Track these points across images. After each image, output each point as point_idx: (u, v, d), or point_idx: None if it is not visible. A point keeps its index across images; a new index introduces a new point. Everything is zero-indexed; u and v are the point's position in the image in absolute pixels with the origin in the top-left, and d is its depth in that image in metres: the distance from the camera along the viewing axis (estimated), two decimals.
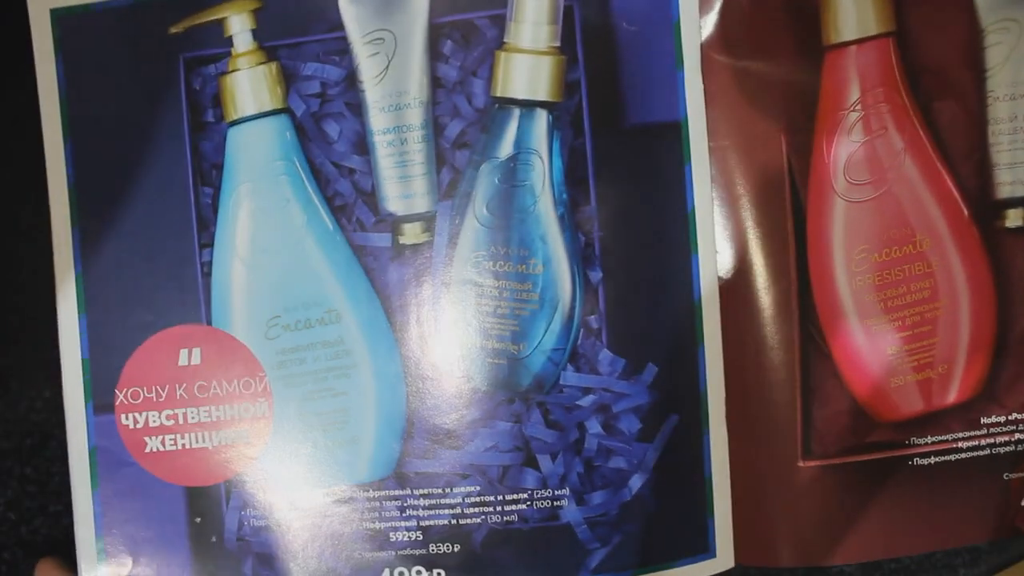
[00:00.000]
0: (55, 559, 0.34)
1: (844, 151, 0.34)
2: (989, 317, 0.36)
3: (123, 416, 0.33)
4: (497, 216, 0.33)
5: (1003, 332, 0.36)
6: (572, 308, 0.34)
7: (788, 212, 0.35)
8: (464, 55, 0.33)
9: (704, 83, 0.34)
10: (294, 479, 0.33)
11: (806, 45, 0.34)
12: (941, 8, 0.34)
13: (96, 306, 0.33)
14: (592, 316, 0.34)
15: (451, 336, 0.33)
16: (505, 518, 0.34)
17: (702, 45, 0.34)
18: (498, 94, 0.33)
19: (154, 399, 0.33)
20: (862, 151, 0.35)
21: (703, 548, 0.35)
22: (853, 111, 0.34)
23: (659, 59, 0.33)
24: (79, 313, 0.33)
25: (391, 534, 0.34)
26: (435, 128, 0.33)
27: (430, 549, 0.34)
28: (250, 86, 0.33)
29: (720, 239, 0.34)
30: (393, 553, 0.34)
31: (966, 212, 0.35)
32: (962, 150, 0.35)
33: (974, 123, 0.35)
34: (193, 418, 0.33)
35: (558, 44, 0.33)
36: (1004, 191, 0.36)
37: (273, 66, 0.33)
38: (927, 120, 0.35)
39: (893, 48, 0.34)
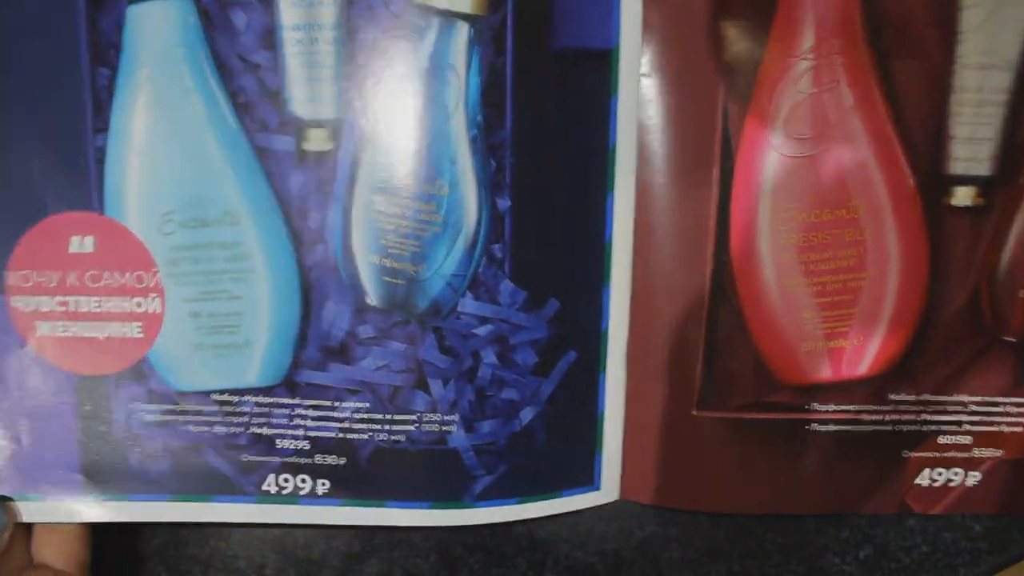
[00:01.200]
0: None
1: (788, 101, 0.32)
2: (917, 295, 0.34)
3: (13, 298, 0.33)
4: (405, 131, 0.31)
5: (930, 312, 0.34)
6: (476, 235, 0.32)
7: (716, 158, 0.32)
8: None
9: (643, 12, 0.31)
10: (183, 377, 0.33)
11: None
12: None
13: None
14: (496, 245, 0.32)
15: (349, 251, 0.32)
16: (392, 437, 0.34)
17: None
18: (418, 1, 0.30)
19: (45, 283, 0.32)
20: (808, 103, 0.32)
21: (588, 481, 0.35)
22: (804, 59, 0.31)
23: None
24: None
25: (278, 440, 0.34)
26: (348, 29, 0.31)
27: (316, 459, 0.34)
28: None
29: (644, 176, 0.33)
30: (279, 459, 0.34)
31: (911, 183, 0.33)
32: (918, 116, 0.32)
33: (936, 88, 0.32)
34: (84, 307, 0.33)
35: None
36: (957, 167, 0.33)
37: None
38: (884, 79, 0.32)
39: None
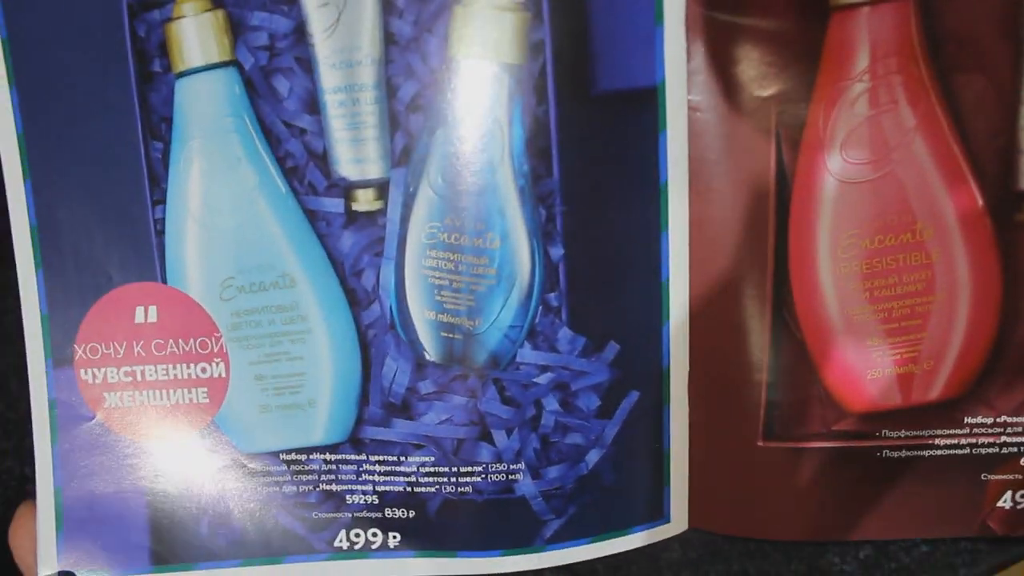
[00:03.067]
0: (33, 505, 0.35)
1: (844, 126, 0.31)
2: (990, 316, 0.33)
3: (82, 371, 0.33)
4: (452, 186, 0.31)
5: (1004, 333, 0.33)
6: (531, 285, 0.32)
7: (771, 188, 0.32)
8: (419, 9, 0.30)
9: (687, 41, 0.30)
10: (251, 440, 0.34)
11: (810, 2, 0.30)
12: None
13: (52, 261, 0.33)
14: (552, 294, 0.32)
15: (405, 308, 0.32)
16: (460, 489, 0.34)
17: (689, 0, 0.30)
18: (456, 54, 0.30)
19: (112, 355, 0.33)
20: (865, 127, 0.31)
21: (658, 515, 0.35)
22: (859, 81, 0.30)
23: (636, 16, 0.30)
24: (36, 268, 0.33)
25: (348, 496, 0.34)
26: (388, 89, 0.31)
27: (385, 513, 0.34)
28: (196, 35, 0.31)
29: (697, 213, 0.32)
30: (350, 515, 0.34)
31: (980, 201, 0.32)
32: (985, 132, 0.31)
33: (1003, 102, 0.31)
34: (151, 375, 0.33)
35: (524, 1, 0.29)
36: None
37: (219, 14, 0.31)
38: (947, 95, 0.31)
39: (914, 11, 0.30)
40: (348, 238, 0.32)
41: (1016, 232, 0.32)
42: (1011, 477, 0.35)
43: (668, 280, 0.32)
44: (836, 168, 0.31)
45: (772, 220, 0.32)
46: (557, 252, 0.32)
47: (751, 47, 0.30)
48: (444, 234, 0.32)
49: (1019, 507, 0.35)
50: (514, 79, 0.30)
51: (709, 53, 0.30)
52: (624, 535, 0.35)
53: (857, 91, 0.30)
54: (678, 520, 0.35)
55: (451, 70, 0.30)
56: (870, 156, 0.31)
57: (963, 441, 0.34)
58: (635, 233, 0.32)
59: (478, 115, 0.31)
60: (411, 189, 0.31)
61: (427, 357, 0.33)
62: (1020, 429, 0.34)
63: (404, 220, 0.32)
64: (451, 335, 0.33)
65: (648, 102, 0.30)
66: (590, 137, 0.31)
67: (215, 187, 0.32)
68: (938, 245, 0.32)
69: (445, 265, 0.32)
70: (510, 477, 0.34)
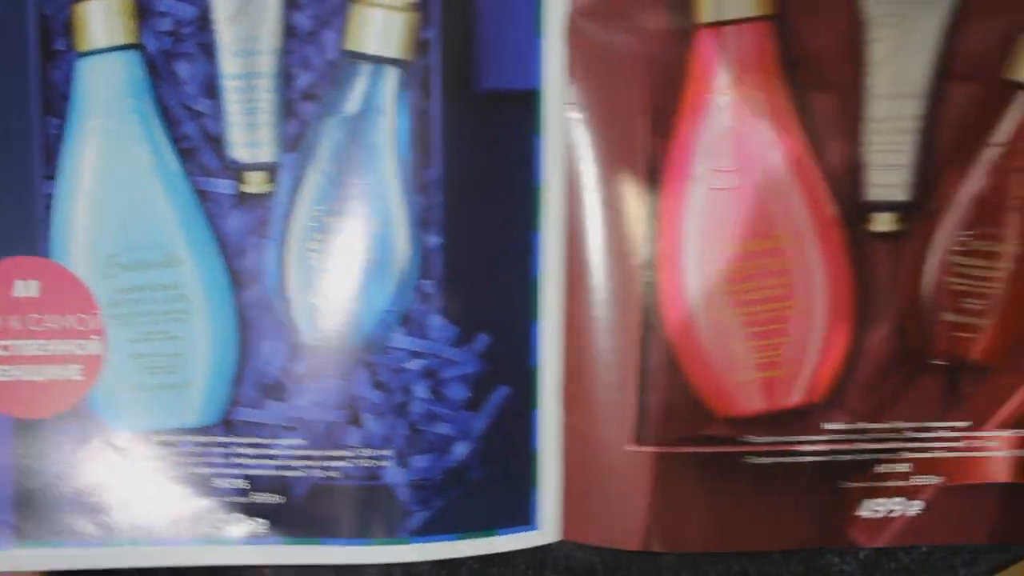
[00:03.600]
0: None
1: (709, 136, 0.33)
2: (845, 322, 0.35)
3: None
4: (340, 171, 0.32)
5: (859, 339, 0.35)
6: (406, 271, 0.33)
7: (642, 194, 0.34)
8: (319, 5, 0.32)
9: (568, 52, 0.32)
10: (125, 419, 0.34)
11: (678, 20, 0.33)
12: None
13: None
14: (427, 281, 0.33)
15: (288, 290, 0.33)
16: (328, 473, 0.34)
17: (569, 13, 0.32)
18: (349, 48, 0.32)
19: None
20: (729, 138, 0.33)
21: (526, 520, 0.35)
22: (723, 95, 0.33)
23: (519, 24, 0.32)
24: None
25: (215, 480, 0.34)
26: (285, 77, 0.33)
27: (254, 498, 0.34)
28: (103, 17, 0.33)
29: (574, 216, 0.34)
30: (216, 500, 0.34)
31: (832, 211, 0.34)
32: (835, 146, 0.33)
33: (850, 119, 0.33)
34: (26, 350, 0.33)
35: (414, 1, 0.32)
36: (875, 193, 0.34)
37: None
38: (802, 111, 0.33)
39: (771, 32, 0.33)
40: (236, 219, 0.33)
41: (866, 241, 0.34)
42: (869, 485, 0.36)
43: (538, 279, 0.34)
44: (702, 176, 0.33)
45: (643, 225, 0.34)
46: (434, 241, 0.33)
47: (625, 59, 0.33)
48: (329, 218, 0.33)
49: (877, 515, 0.36)
50: (402, 74, 0.32)
51: (586, 63, 0.33)
52: (491, 536, 0.35)
53: (721, 104, 0.33)
54: (549, 528, 0.35)
55: (345, 63, 0.32)
56: (733, 165, 0.33)
57: (822, 448, 0.35)
58: (509, 230, 0.33)
59: (367, 107, 0.32)
60: (300, 174, 0.33)
61: (304, 339, 0.33)
62: (876, 436, 0.35)
63: (291, 204, 0.33)
64: (328, 317, 0.33)
65: (527, 105, 0.32)
66: (471, 133, 0.32)
67: (109, 165, 0.33)
68: (795, 252, 0.34)
69: (326, 248, 0.33)
70: (378, 464, 0.34)
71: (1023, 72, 0.33)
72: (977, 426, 0.36)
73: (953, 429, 0.36)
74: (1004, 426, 0.36)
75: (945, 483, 0.36)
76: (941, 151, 0.34)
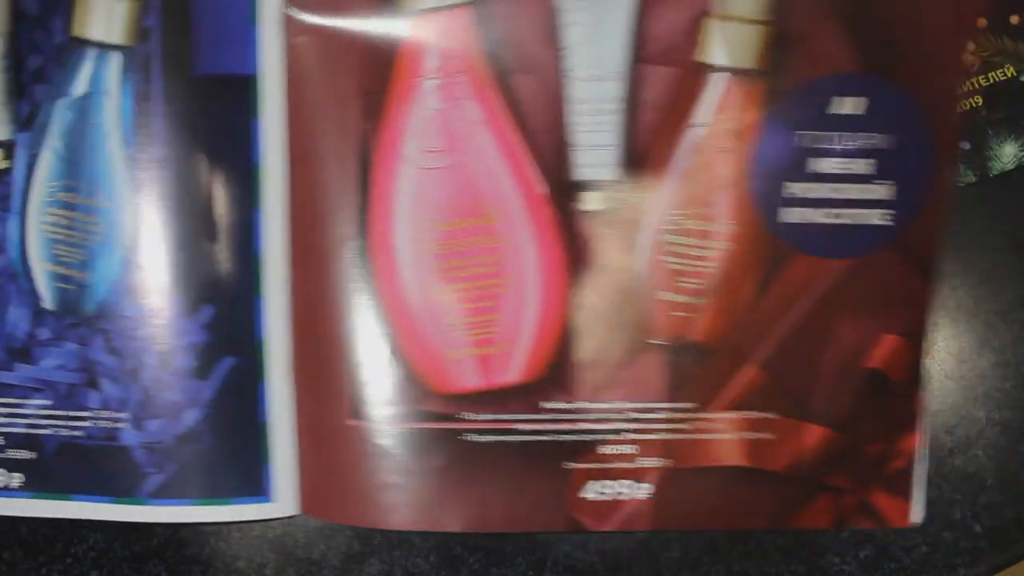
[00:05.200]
0: None
1: (418, 118, 0.34)
2: (559, 301, 0.35)
3: None
4: (71, 151, 0.35)
5: (574, 317, 0.35)
6: (134, 243, 0.35)
7: (355, 173, 0.35)
8: None
9: (283, 39, 0.34)
10: None
11: (388, 9, 0.34)
12: None
13: None
14: (152, 253, 0.35)
15: (30, 260, 0.36)
16: (73, 433, 0.36)
17: (283, 1, 0.34)
18: (75, 34, 0.34)
19: None
20: (437, 119, 0.34)
21: (260, 491, 0.36)
22: (430, 78, 0.34)
23: (235, 13, 0.34)
24: None
25: None
26: (16, 59, 0.35)
27: (9, 454, 0.37)
28: None
29: (295, 194, 0.35)
30: None
31: (541, 190, 0.35)
32: (541, 127, 0.34)
33: (553, 100, 0.34)
34: None
35: None
36: (584, 172, 0.35)
37: None
38: (507, 93, 0.34)
39: (473, 19, 0.34)
40: None
41: (576, 219, 0.35)
42: (593, 466, 0.36)
43: (262, 255, 0.35)
44: (412, 156, 0.34)
45: (356, 204, 0.35)
46: (157, 215, 0.35)
47: (337, 46, 0.34)
48: (62, 193, 0.35)
49: (604, 498, 0.36)
50: (125, 59, 0.34)
51: (303, 49, 0.34)
52: (226, 504, 0.36)
53: (429, 87, 0.34)
54: (284, 501, 0.37)
55: (72, 47, 0.35)
56: (442, 146, 0.34)
57: (543, 427, 0.36)
58: (231, 207, 0.35)
59: (94, 89, 0.35)
60: (35, 151, 0.35)
61: (45, 305, 0.36)
62: (596, 416, 0.36)
63: (28, 179, 0.35)
64: (66, 286, 0.36)
65: (244, 89, 0.34)
66: (190, 115, 0.34)
67: None
68: (506, 230, 0.35)
69: (62, 221, 0.35)
70: (115, 425, 0.36)
71: (713, 55, 0.33)
72: (702, 407, 0.36)
73: (677, 410, 0.36)
74: (729, 408, 0.36)
75: (673, 466, 0.36)
76: (645, 132, 0.34)
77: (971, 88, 0.37)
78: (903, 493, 0.37)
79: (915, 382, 0.36)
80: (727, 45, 0.33)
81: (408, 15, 0.34)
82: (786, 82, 0.34)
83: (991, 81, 0.37)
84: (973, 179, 0.37)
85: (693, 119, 0.34)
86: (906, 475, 0.36)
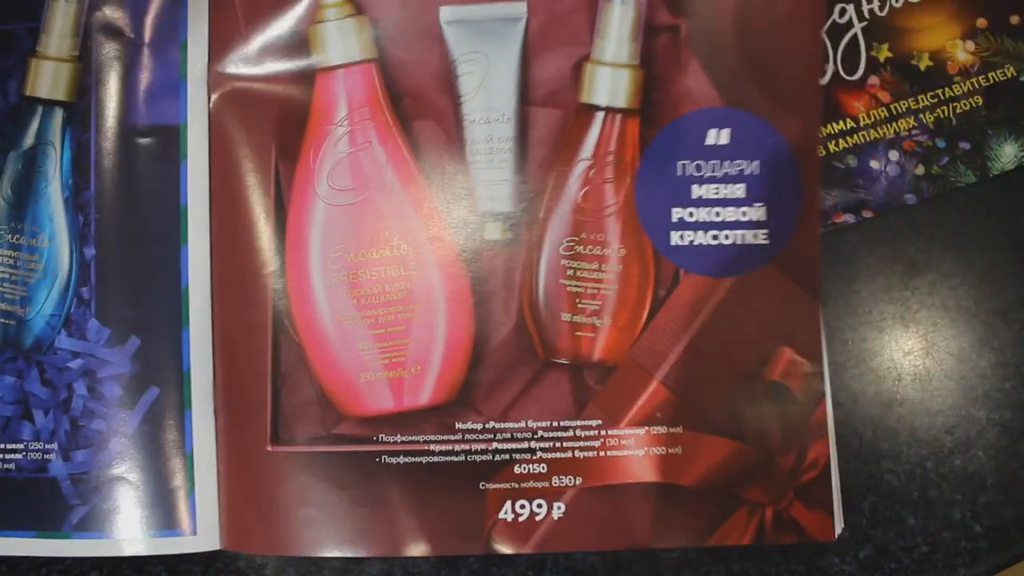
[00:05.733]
0: None
1: (329, 160, 0.37)
2: (466, 325, 0.37)
3: None
4: (18, 196, 0.38)
5: (480, 340, 0.37)
6: (69, 279, 0.38)
7: (271, 211, 0.38)
8: (5, 59, 0.38)
9: (208, 93, 0.38)
10: None
11: (301, 65, 0.37)
12: (416, 38, 0.37)
13: None
14: (85, 288, 0.38)
15: None
16: (5, 466, 0.38)
17: (208, 61, 0.38)
18: (27, 94, 0.38)
19: None
20: (347, 161, 0.37)
21: (184, 524, 0.37)
22: (340, 126, 0.37)
23: (165, 71, 0.38)
24: None
25: None
26: None
27: None
28: None
29: (216, 232, 0.38)
30: None
31: (446, 223, 0.37)
32: (442, 166, 0.37)
33: (452, 142, 0.37)
34: None
35: (77, 54, 0.38)
36: (483, 205, 0.37)
37: None
38: (410, 136, 0.38)
39: (376, 72, 0.37)
40: None
41: (479, 249, 0.37)
42: (508, 486, 0.37)
43: (188, 288, 0.38)
44: (324, 194, 0.37)
45: (272, 238, 0.37)
46: (90, 252, 0.38)
47: (257, 98, 0.37)
48: (10, 235, 0.38)
49: (520, 519, 0.37)
50: (67, 113, 0.38)
51: (224, 101, 0.38)
52: (149, 538, 0.37)
53: (339, 134, 0.37)
54: (207, 535, 0.37)
55: (22, 106, 0.38)
56: (351, 184, 0.37)
57: (458, 448, 0.37)
58: (158, 243, 0.38)
59: (40, 140, 0.38)
60: None
61: None
62: (509, 435, 0.37)
63: None
64: (7, 321, 0.38)
65: (172, 137, 0.38)
66: (123, 161, 0.38)
67: None
68: (413, 259, 0.37)
69: (8, 261, 0.38)
70: (45, 456, 0.37)
71: (593, 96, 0.37)
72: (609, 424, 0.37)
73: (586, 428, 0.37)
74: (636, 424, 0.37)
75: (584, 484, 0.37)
76: (537, 166, 0.37)
77: (971, 88, 0.38)
78: (822, 505, 0.37)
79: (816, 392, 0.37)
80: (605, 87, 0.37)
81: (320, 70, 0.37)
82: (661, 118, 0.37)
83: (991, 81, 0.38)
84: (973, 179, 0.38)
85: (580, 154, 0.37)
86: (822, 485, 0.37)
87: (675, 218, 0.37)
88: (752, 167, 0.37)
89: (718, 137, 0.37)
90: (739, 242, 0.37)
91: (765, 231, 0.37)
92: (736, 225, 0.37)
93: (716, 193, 0.37)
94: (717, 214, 0.37)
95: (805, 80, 0.37)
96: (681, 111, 0.37)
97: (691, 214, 0.37)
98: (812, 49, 0.37)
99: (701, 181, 0.37)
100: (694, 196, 0.37)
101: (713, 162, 0.37)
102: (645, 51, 0.37)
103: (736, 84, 0.37)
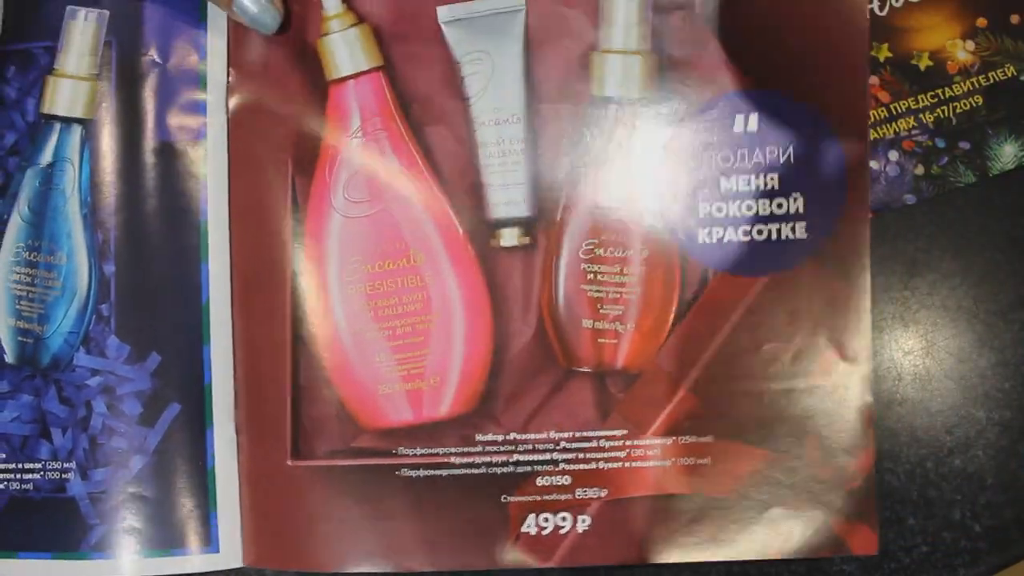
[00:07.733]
0: None
1: (345, 172, 0.37)
2: (484, 334, 0.37)
3: None
4: (35, 214, 0.38)
5: (499, 350, 0.36)
6: (88, 296, 0.38)
7: (288, 224, 0.37)
8: (22, 78, 0.39)
9: (227, 110, 0.38)
10: None
11: (313, 80, 0.37)
12: (418, 43, 0.37)
13: None
14: (104, 304, 0.37)
15: None
16: (23, 486, 0.37)
17: (227, 79, 0.38)
18: (45, 111, 0.38)
19: None
20: (362, 172, 0.37)
21: (206, 542, 0.37)
22: (355, 137, 0.37)
23: (184, 88, 0.38)
24: None
25: None
26: None
27: None
28: None
29: (236, 247, 0.37)
30: None
31: (460, 230, 0.37)
32: (455, 172, 0.37)
33: (464, 146, 0.37)
34: None
35: (96, 72, 0.38)
36: (498, 211, 0.37)
37: None
38: (422, 144, 0.37)
39: (385, 80, 0.37)
40: None
41: (495, 256, 0.36)
42: (531, 499, 0.36)
43: (208, 303, 0.37)
44: (340, 206, 0.37)
45: (289, 251, 0.37)
46: (109, 268, 0.37)
47: (274, 113, 0.37)
48: (27, 253, 0.38)
49: (544, 532, 0.36)
50: (86, 130, 0.38)
51: (242, 118, 0.37)
52: (169, 556, 0.37)
53: (354, 145, 0.37)
54: (229, 552, 0.37)
55: (42, 123, 0.38)
56: (367, 196, 0.37)
57: (478, 460, 0.36)
58: (178, 260, 0.37)
59: (57, 157, 0.38)
60: (5, 217, 0.38)
61: (6, 359, 0.38)
62: (530, 447, 0.36)
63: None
64: (25, 339, 0.38)
65: (192, 154, 0.37)
66: (142, 178, 0.38)
67: None
68: (430, 269, 0.36)
69: (25, 279, 0.38)
70: (63, 476, 0.37)
71: (605, 87, 0.36)
72: (635, 434, 0.36)
73: (610, 439, 0.36)
74: (663, 434, 0.36)
75: (610, 496, 0.36)
76: (551, 167, 0.36)
77: (971, 88, 0.37)
78: (864, 518, 0.35)
79: (862, 399, 0.36)
80: (615, 77, 0.35)
81: (331, 82, 0.37)
82: (682, 106, 0.36)
83: (991, 81, 0.37)
84: (973, 179, 0.37)
85: (594, 149, 0.36)
86: (865, 498, 0.36)
87: (702, 214, 0.36)
88: (786, 154, 0.35)
89: (747, 123, 0.35)
90: (774, 237, 0.36)
91: (804, 223, 0.36)
92: (770, 219, 0.36)
93: (747, 185, 0.36)
94: (749, 207, 0.36)
95: (849, 48, 0.35)
96: (703, 97, 0.35)
97: (719, 209, 0.36)
98: (859, 6, 0.35)
99: (730, 173, 0.36)
100: (723, 189, 0.36)
101: (742, 151, 0.35)
102: (655, 35, 0.35)
103: (763, 62, 0.35)
